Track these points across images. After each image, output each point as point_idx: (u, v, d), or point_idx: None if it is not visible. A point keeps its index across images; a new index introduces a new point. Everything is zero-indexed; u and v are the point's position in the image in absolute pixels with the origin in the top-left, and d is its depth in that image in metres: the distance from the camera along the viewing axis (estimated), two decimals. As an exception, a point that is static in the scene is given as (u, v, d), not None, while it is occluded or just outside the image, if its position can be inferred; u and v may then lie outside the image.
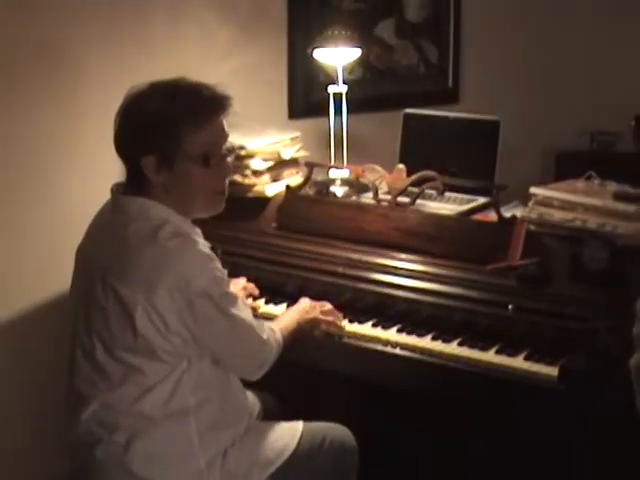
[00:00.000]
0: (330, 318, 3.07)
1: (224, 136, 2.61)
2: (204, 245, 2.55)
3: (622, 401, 2.28)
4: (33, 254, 3.64)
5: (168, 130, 2.50)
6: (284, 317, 2.99)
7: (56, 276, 3.42)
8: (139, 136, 2.52)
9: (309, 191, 3.58)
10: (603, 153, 5.46)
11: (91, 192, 3.09)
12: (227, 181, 2.68)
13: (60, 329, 3.28)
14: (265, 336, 2.68)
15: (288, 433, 2.80)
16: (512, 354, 2.85)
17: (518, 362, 2.81)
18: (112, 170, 2.67)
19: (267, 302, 3.29)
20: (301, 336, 2.95)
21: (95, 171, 3.46)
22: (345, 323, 3.09)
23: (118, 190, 2.62)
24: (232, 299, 2.57)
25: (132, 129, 2.54)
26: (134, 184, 2.57)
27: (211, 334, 2.53)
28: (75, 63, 3.63)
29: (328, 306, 3.09)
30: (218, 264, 2.54)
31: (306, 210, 3.46)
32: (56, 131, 3.62)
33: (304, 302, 3.07)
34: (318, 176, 3.63)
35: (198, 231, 2.60)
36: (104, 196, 2.68)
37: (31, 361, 3.70)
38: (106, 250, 2.55)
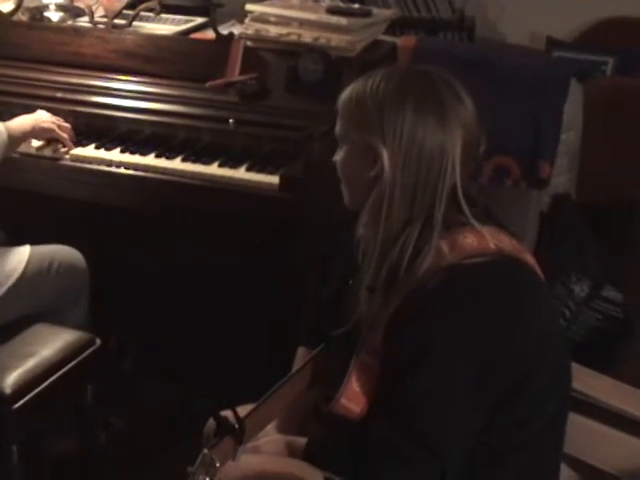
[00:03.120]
0: (65, 135, 3.02)
1: None
2: None
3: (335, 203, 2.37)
4: None
5: None
6: (19, 119, 2.94)
7: None
8: None
9: (22, 17, 3.45)
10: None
11: None
12: None
13: None
14: None
15: (15, 257, 2.77)
16: (234, 166, 2.89)
17: (240, 173, 2.86)
18: None
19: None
20: (33, 137, 2.97)
21: None
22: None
23: None
24: None
25: None
26: None
27: None
28: None
29: (66, 125, 3.04)
30: None
31: (20, 36, 3.33)
32: None
33: (42, 113, 3.02)
34: (31, 2, 3.49)
35: None
36: None
37: None
38: None
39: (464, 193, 1.89)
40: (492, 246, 1.85)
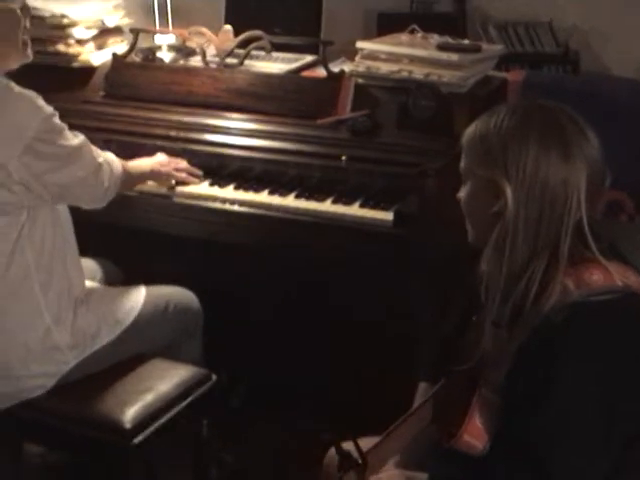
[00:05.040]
0: (183, 175, 3.09)
1: None
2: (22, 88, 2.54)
3: (451, 239, 2.38)
4: None
5: None
6: (139, 161, 3.01)
7: None
8: None
9: (136, 58, 3.51)
10: (423, 14, 5.52)
11: None
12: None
13: None
14: (101, 160, 2.70)
15: (134, 295, 2.82)
16: (348, 203, 2.91)
17: (354, 210, 2.88)
18: None
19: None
20: (143, 196, 3.01)
21: None
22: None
23: None
24: (65, 132, 2.57)
25: None
26: None
27: (52, 169, 2.53)
28: None
29: (183, 163, 3.11)
30: (42, 100, 2.53)
31: (134, 77, 3.41)
32: None
33: (160, 156, 3.09)
34: (144, 43, 3.57)
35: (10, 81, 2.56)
36: None
37: None
38: None
39: (590, 228, 1.89)
40: (619, 283, 1.83)
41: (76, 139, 2.61)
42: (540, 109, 1.93)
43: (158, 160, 3.06)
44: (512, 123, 1.90)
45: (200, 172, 3.12)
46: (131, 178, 2.89)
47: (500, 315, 1.92)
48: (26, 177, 2.47)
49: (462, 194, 2.01)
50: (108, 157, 2.76)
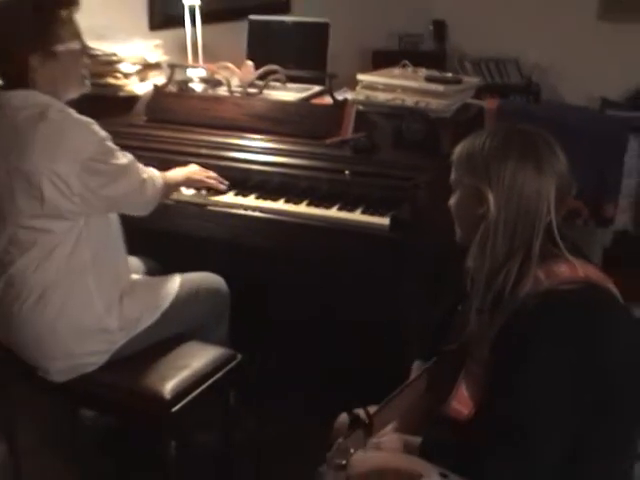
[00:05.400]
0: (213, 181, 3.08)
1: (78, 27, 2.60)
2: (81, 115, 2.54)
3: (439, 240, 2.37)
4: None
5: (44, 28, 2.49)
6: (175, 171, 3.00)
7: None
8: (19, 39, 2.48)
9: (172, 88, 3.50)
10: (410, 51, 5.54)
11: None
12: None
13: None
14: (145, 176, 2.69)
15: (169, 283, 2.81)
16: (351, 210, 2.91)
17: (356, 216, 2.88)
18: None
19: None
20: (178, 205, 3.01)
21: None
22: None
23: None
24: (116, 153, 2.57)
25: (11, 36, 2.48)
26: (10, 81, 2.52)
27: (104, 184, 2.52)
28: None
29: (213, 174, 3.09)
30: (97, 126, 2.52)
31: (171, 104, 3.41)
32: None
33: (193, 166, 3.08)
34: (179, 76, 3.56)
35: (71, 109, 2.55)
36: None
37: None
38: (1, 141, 2.49)
39: (558, 230, 1.90)
40: (582, 275, 1.86)
41: (125, 158, 2.61)
42: (518, 131, 1.97)
43: (191, 170, 3.05)
44: (494, 143, 1.93)
45: (226, 182, 3.11)
46: (169, 188, 2.89)
47: (483, 303, 1.94)
48: (83, 190, 2.46)
49: (452, 201, 2.04)
50: (151, 173, 2.76)
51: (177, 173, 2.99)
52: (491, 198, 1.89)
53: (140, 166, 2.70)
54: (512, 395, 1.83)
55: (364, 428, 1.95)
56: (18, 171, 2.44)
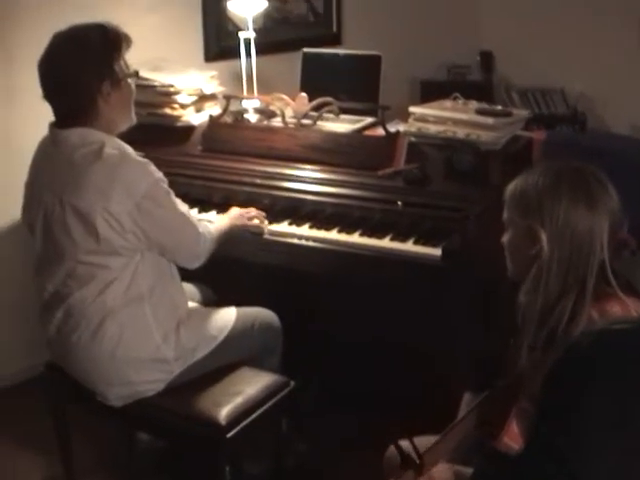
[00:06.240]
0: (256, 221, 3.07)
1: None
2: (137, 154, 2.55)
3: (489, 271, 2.36)
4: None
5: (111, 57, 2.53)
6: (218, 221, 2.98)
7: (7, 208, 3.38)
8: (90, 68, 2.50)
9: (227, 119, 3.52)
10: (458, 82, 5.54)
11: (28, 132, 2.99)
12: None
13: (14, 249, 3.25)
14: (200, 229, 2.68)
15: (226, 315, 2.82)
16: (403, 240, 2.90)
17: (408, 246, 2.88)
18: (42, 113, 2.60)
19: (199, 212, 3.26)
20: (232, 235, 2.95)
21: (32, 115, 3.13)
22: (266, 223, 3.10)
23: (54, 126, 2.58)
24: (171, 196, 2.57)
25: (84, 65, 2.50)
26: (68, 119, 2.53)
27: (156, 228, 2.52)
28: (20, 22, 3.55)
29: (253, 211, 3.08)
30: (154, 167, 2.53)
31: (226, 135, 3.42)
32: (3, 82, 3.57)
33: (234, 210, 3.06)
34: (234, 107, 3.58)
35: (126, 145, 2.57)
36: (40, 135, 2.65)
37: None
38: (57, 177, 2.51)
39: (610, 268, 1.88)
40: (635, 314, 1.83)
41: (181, 207, 2.61)
42: (569, 169, 1.94)
43: (233, 215, 3.03)
44: (546, 181, 1.90)
45: (267, 222, 3.09)
46: (217, 243, 2.81)
47: (536, 339, 1.91)
48: (135, 229, 2.47)
49: (505, 239, 2.01)
50: (204, 227, 2.73)
51: (222, 223, 2.95)
52: (544, 237, 1.87)
53: (194, 218, 2.71)
54: (563, 434, 1.80)
55: (415, 467, 1.93)
56: (73, 208, 2.46)
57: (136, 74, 2.65)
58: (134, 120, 2.67)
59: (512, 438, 1.93)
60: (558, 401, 1.82)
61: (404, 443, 1.98)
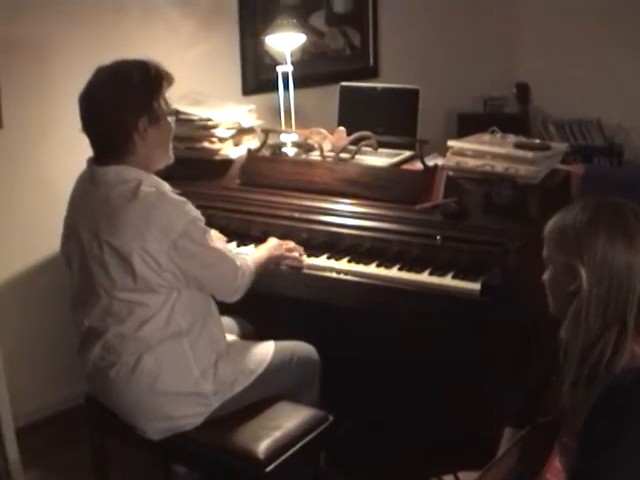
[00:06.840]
0: (295, 254, 3.08)
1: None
2: (174, 192, 2.57)
3: (529, 306, 2.34)
4: (24, 223, 3.63)
5: (151, 95, 2.55)
6: (256, 252, 2.99)
7: (44, 240, 3.43)
8: (129, 104, 2.52)
9: (266, 153, 3.55)
10: (494, 114, 5.55)
11: (63, 165, 3.03)
12: None
13: (52, 284, 3.39)
14: (238, 263, 2.68)
15: (264, 349, 2.83)
16: (442, 275, 2.90)
17: (447, 281, 2.87)
18: (81, 147, 2.63)
19: (238, 245, 3.27)
20: (271, 267, 2.98)
21: (69, 149, 3.27)
22: (304, 257, 3.11)
23: (92, 162, 2.61)
24: (208, 234, 2.58)
25: (123, 100, 2.52)
26: (105, 154, 2.56)
27: (194, 266, 2.53)
28: (60, 58, 3.62)
29: (291, 244, 3.09)
30: (191, 205, 2.55)
31: (264, 168, 3.45)
32: (42, 116, 3.62)
33: (272, 241, 3.07)
34: (272, 140, 3.61)
35: (163, 182, 2.59)
36: (77, 168, 2.68)
37: (33, 309, 3.74)
38: (94, 214, 2.53)
39: None
40: None
41: (218, 243, 2.64)
42: (607, 205, 1.95)
43: (271, 245, 3.03)
44: (585, 218, 1.91)
45: (305, 255, 3.10)
46: (256, 275, 2.80)
47: (578, 376, 1.91)
48: (172, 268, 2.49)
49: (545, 276, 2.02)
50: (242, 260, 2.73)
51: (260, 253, 2.95)
52: (583, 274, 1.87)
53: (232, 253, 2.72)
54: (604, 470, 1.79)
55: None
56: (110, 246, 2.48)
57: (176, 113, 2.68)
58: (172, 158, 2.68)
59: (554, 474, 1.94)
60: (600, 437, 1.81)
61: (448, 478, 1.98)
